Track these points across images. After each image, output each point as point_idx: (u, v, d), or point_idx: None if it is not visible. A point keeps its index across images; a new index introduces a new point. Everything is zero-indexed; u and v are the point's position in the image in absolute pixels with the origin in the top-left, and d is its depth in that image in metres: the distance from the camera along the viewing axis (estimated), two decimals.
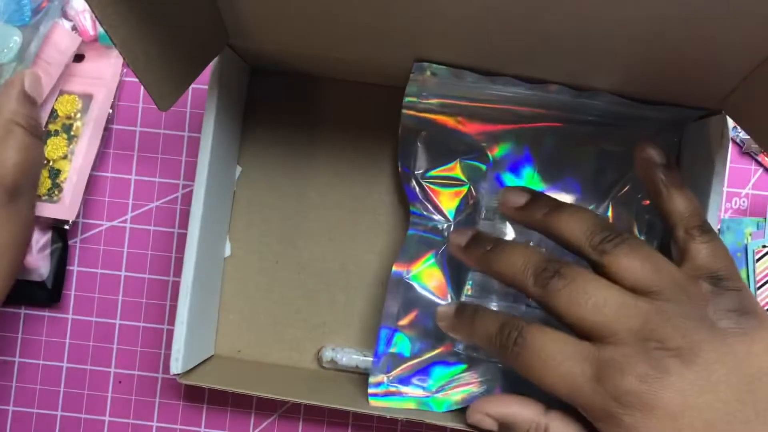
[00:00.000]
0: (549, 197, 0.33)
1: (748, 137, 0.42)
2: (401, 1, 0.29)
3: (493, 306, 0.35)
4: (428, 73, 0.36)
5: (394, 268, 0.38)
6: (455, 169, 0.39)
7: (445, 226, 0.39)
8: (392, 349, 0.38)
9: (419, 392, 0.38)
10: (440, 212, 0.39)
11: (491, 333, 0.30)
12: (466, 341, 0.35)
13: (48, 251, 0.43)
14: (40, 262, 0.42)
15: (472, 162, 0.39)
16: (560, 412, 0.30)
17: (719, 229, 0.42)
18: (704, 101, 0.34)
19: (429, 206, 0.39)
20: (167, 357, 0.38)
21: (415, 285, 0.38)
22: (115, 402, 0.44)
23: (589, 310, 0.27)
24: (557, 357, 0.28)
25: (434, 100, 0.38)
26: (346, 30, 0.33)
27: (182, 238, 0.44)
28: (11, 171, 0.32)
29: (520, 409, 0.31)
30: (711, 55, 0.29)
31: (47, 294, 0.43)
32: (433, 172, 0.39)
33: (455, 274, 0.38)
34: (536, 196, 0.33)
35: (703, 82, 0.33)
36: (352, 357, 0.40)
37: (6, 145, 0.32)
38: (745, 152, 0.43)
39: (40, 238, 0.42)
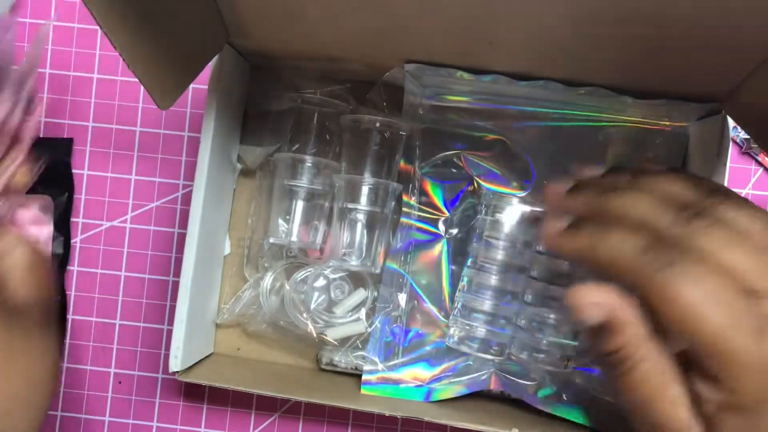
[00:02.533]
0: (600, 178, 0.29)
1: (748, 137, 0.42)
2: (398, 1, 0.29)
3: (487, 304, 0.36)
4: (426, 72, 0.36)
5: (389, 261, 0.38)
6: (454, 163, 0.39)
7: (442, 218, 0.39)
8: (388, 339, 0.38)
9: (412, 381, 0.38)
10: (435, 206, 0.39)
11: (634, 248, 0.25)
12: (575, 258, 0.28)
13: None
14: None
15: (471, 156, 0.39)
16: (657, 346, 0.25)
17: None
18: (704, 101, 0.34)
19: (425, 199, 0.39)
20: (167, 357, 0.38)
21: (411, 276, 0.38)
22: (115, 402, 0.44)
23: (750, 249, 0.23)
24: (715, 303, 0.23)
25: (434, 98, 0.38)
26: (344, 29, 0.33)
27: (182, 238, 0.43)
28: (49, 293, 0.29)
29: (633, 323, 0.25)
30: (711, 55, 0.29)
31: None
32: (432, 167, 0.39)
33: (451, 267, 0.39)
34: (585, 179, 0.30)
35: (703, 82, 0.33)
36: (350, 358, 0.40)
37: (39, 269, 0.29)
38: (745, 152, 0.43)
39: None
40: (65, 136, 0.44)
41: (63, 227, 0.43)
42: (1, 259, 0.28)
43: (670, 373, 0.25)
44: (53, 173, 0.43)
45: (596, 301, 0.25)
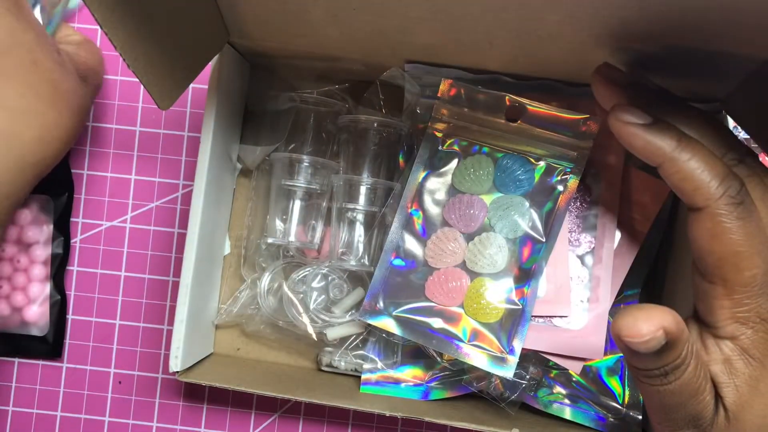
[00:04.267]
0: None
1: (748, 137, 0.42)
2: (397, 1, 0.29)
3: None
4: (426, 72, 0.36)
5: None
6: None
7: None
8: (387, 337, 0.38)
9: (411, 380, 0.39)
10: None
11: (709, 175, 0.26)
12: (649, 152, 0.27)
13: (48, 305, 0.43)
14: (39, 317, 0.42)
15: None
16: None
17: None
18: (704, 101, 0.34)
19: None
20: (167, 357, 0.38)
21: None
22: (115, 402, 0.44)
23: None
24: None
25: (432, 98, 0.38)
26: (344, 30, 0.33)
27: (182, 238, 0.44)
28: (82, 64, 0.38)
29: (686, 330, 0.25)
30: (711, 56, 0.29)
31: (48, 348, 0.43)
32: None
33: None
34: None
35: (703, 82, 0.33)
36: (350, 358, 0.40)
37: (79, 51, 0.38)
38: None
39: (39, 293, 0.42)
40: None
41: (63, 227, 0.43)
42: (66, 39, 0.39)
43: (703, 363, 0.26)
44: (52, 173, 0.43)
45: (660, 326, 0.24)
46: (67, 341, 0.44)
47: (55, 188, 0.43)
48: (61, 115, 0.34)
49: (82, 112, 0.36)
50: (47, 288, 0.43)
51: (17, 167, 0.33)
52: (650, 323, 0.24)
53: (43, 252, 0.42)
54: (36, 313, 0.42)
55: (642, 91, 0.29)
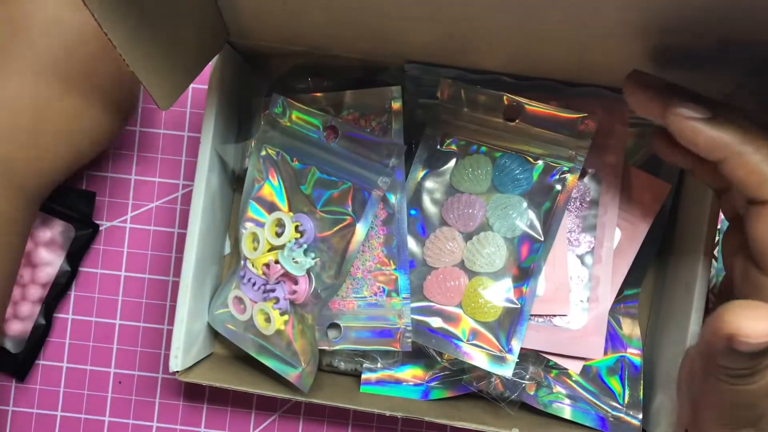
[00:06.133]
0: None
1: None
2: (398, 1, 0.29)
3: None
4: (426, 72, 0.36)
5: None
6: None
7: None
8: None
9: (411, 379, 0.38)
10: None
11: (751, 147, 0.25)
12: (712, 147, 0.26)
13: (31, 326, 0.42)
14: (18, 333, 0.42)
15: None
16: None
17: (719, 230, 0.42)
18: None
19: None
20: (167, 357, 0.38)
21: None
22: (115, 402, 0.44)
23: None
24: None
25: (432, 98, 0.38)
26: (344, 30, 0.33)
27: (182, 238, 0.44)
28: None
29: None
30: (712, 55, 0.29)
31: (15, 367, 0.43)
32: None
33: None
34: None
35: (705, 83, 0.33)
36: (351, 360, 0.40)
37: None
38: None
39: (28, 312, 0.42)
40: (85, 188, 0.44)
41: (74, 261, 0.43)
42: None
43: None
44: (83, 208, 0.43)
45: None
46: (68, 341, 0.44)
47: (81, 222, 0.42)
48: (112, 116, 0.38)
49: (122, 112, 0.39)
50: (37, 310, 0.42)
51: (74, 158, 0.37)
52: (761, 317, 0.23)
53: (46, 275, 0.42)
54: (16, 330, 0.42)
55: (681, 92, 0.28)
